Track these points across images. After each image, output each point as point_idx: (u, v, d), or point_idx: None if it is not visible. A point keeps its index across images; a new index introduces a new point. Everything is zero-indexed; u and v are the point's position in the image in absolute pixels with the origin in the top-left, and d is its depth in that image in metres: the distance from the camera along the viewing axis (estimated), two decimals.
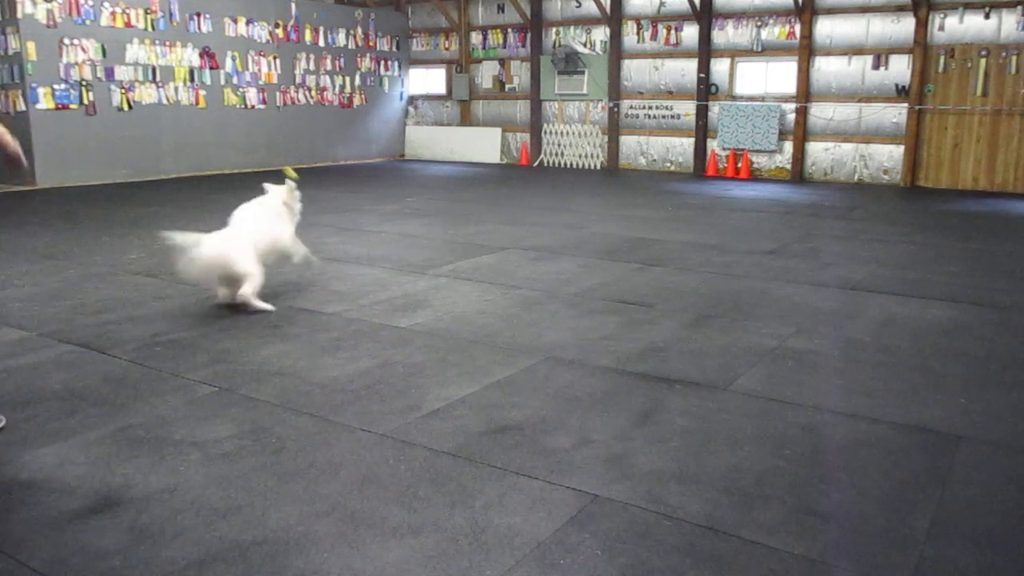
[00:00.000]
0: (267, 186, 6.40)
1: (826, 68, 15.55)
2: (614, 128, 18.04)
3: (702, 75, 16.66)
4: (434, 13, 20.30)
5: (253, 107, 17.10)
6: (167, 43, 15.35)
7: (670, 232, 9.66)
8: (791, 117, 15.97)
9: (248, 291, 5.79)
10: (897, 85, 14.96)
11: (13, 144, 3.99)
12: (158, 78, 15.28)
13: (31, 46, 13.34)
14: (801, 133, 15.88)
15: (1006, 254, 8.50)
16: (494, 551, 2.87)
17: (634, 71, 17.71)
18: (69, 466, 3.49)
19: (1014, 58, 13.75)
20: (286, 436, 3.82)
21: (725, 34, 16.45)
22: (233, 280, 5.82)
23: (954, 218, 11.12)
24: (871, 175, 15.47)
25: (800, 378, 4.66)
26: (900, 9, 14.74)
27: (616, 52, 17.68)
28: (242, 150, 17.00)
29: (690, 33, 16.86)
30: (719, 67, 16.62)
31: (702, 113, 16.81)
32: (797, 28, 15.62)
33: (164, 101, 15.42)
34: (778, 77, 16.16)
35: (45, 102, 13.63)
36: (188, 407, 4.17)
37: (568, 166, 18.79)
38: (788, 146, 16.13)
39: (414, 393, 4.38)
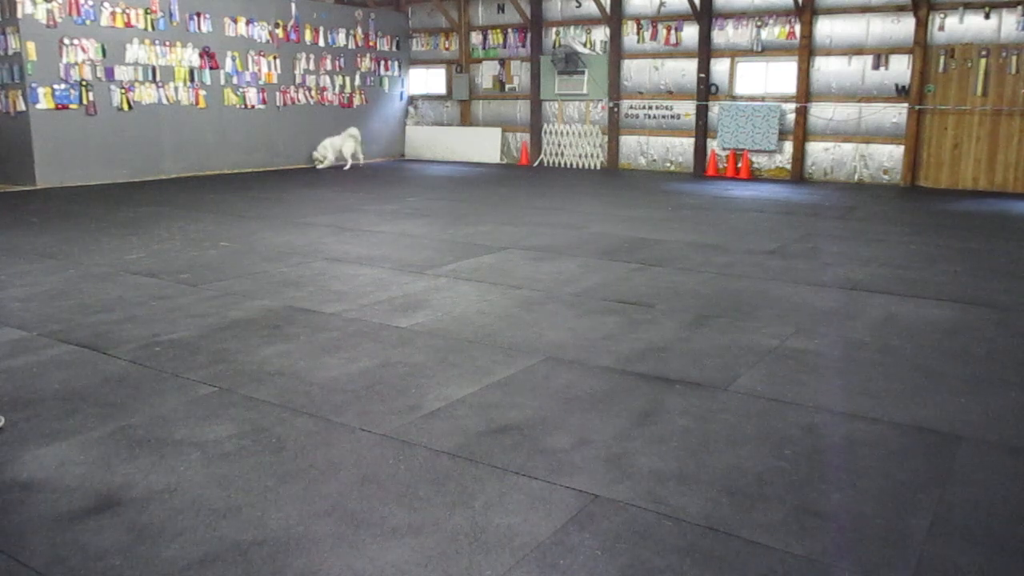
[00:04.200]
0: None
1: (826, 68, 15.54)
2: (614, 128, 18.03)
3: (702, 75, 16.66)
4: (434, 13, 20.30)
5: (253, 107, 17.10)
6: (167, 43, 15.34)
7: (670, 232, 9.66)
8: (791, 117, 15.96)
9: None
10: (897, 85, 14.95)
11: None
12: (158, 78, 15.28)
13: (31, 46, 13.34)
14: (801, 133, 15.88)
15: (1006, 254, 8.50)
16: (494, 551, 2.87)
17: (634, 71, 17.70)
18: (69, 466, 3.50)
19: (1014, 58, 13.74)
20: (286, 436, 3.82)
21: (725, 34, 16.44)
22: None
23: (954, 218, 11.11)
24: (871, 175, 15.46)
25: (800, 378, 4.66)
26: (900, 9, 14.73)
27: (616, 52, 17.67)
28: (242, 150, 17.00)
29: (690, 33, 16.85)
30: (719, 67, 16.61)
31: (702, 113, 16.80)
32: (797, 28, 15.61)
33: (164, 101, 15.42)
34: (778, 77, 16.15)
35: (45, 102, 13.62)
36: (188, 407, 4.17)
37: (568, 166, 18.78)
38: (788, 146, 16.12)
39: (414, 393, 4.38)
